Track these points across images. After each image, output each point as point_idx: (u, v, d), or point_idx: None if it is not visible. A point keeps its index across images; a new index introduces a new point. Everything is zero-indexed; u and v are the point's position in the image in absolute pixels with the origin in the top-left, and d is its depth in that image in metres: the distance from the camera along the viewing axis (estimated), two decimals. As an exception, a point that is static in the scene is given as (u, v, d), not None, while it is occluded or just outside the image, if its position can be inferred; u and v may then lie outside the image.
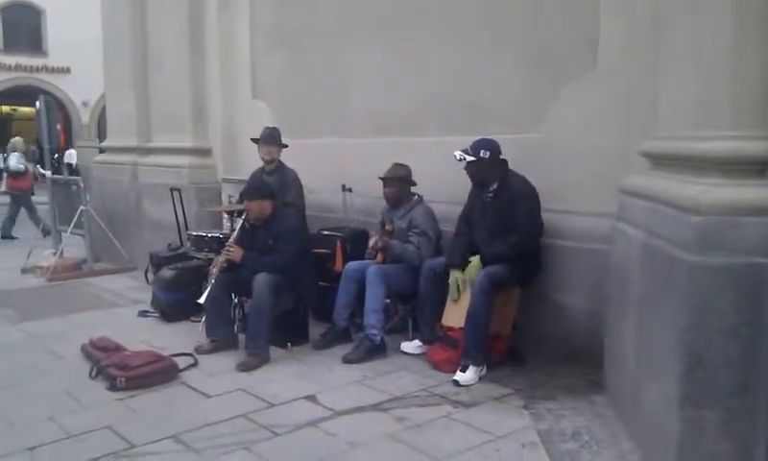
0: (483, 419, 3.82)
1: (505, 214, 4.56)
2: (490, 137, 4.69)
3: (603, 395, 4.07)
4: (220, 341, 5.09)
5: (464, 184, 4.87)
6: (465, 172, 4.72)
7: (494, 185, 4.66)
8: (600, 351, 4.16)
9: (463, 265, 4.66)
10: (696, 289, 2.79)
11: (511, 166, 4.70)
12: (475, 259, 4.62)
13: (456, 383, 4.32)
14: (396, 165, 5.24)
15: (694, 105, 3.11)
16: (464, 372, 4.36)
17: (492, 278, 4.43)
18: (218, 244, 5.73)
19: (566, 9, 4.71)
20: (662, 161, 3.47)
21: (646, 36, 3.87)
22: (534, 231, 4.59)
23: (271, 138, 5.90)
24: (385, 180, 5.24)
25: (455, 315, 4.63)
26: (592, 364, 4.29)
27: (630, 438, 3.47)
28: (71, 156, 24.87)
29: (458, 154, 4.62)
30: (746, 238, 2.75)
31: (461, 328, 4.50)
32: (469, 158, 4.59)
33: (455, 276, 4.66)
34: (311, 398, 4.17)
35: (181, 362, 4.70)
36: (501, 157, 4.65)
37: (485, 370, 4.46)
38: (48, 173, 9.02)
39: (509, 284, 4.56)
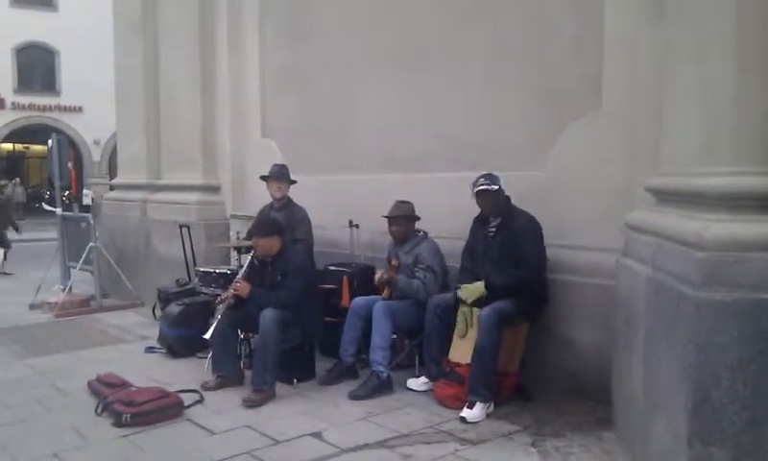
0: (490, 456, 3.78)
1: (510, 248, 4.58)
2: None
3: (611, 431, 4.02)
4: (226, 377, 5.08)
5: (470, 220, 4.90)
6: (474, 204, 4.75)
7: (497, 220, 4.69)
8: (608, 386, 4.14)
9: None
10: (702, 324, 2.79)
11: (517, 202, 4.73)
12: (478, 283, 4.61)
13: (463, 420, 4.28)
14: (400, 203, 5.27)
15: (698, 141, 3.14)
16: (471, 408, 4.33)
17: (499, 313, 4.43)
18: (225, 280, 5.75)
19: (572, 49, 4.78)
20: (667, 197, 3.49)
21: (650, 73, 3.94)
22: (541, 264, 4.61)
23: (281, 175, 5.99)
24: (391, 219, 5.26)
25: (462, 351, 4.61)
26: (600, 400, 4.26)
27: (639, 476, 3.43)
28: (87, 195, 25.04)
29: (483, 186, 4.63)
30: (751, 274, 2.76)
31: (468, 364, 4.48)
32: (495, 187, 4.63)
33: (463, 310, 4.65)
34: (317, 435, 4.14)
35: (187, 398, 4.68)
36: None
37: (492, 406, 4.43)
38: (58, 210, 9.08)
39: (516, 320, 4.55)
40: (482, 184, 4.66)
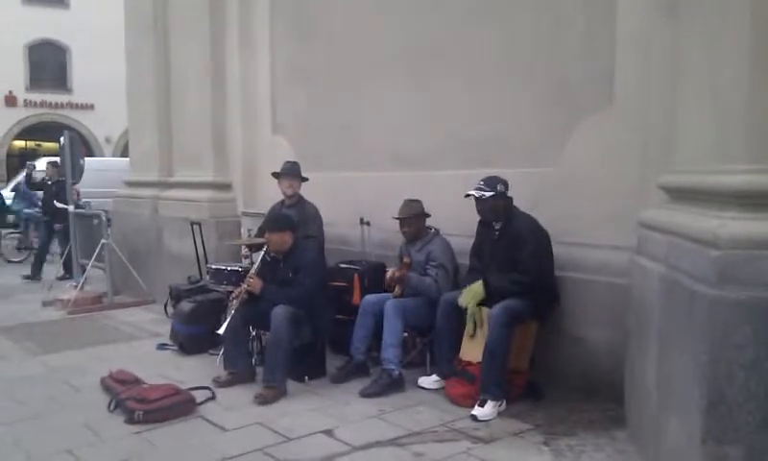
0: (502, 455, 3.77)
1: (511, 252, 4.57)
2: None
3: (624, 430, 4.01)
4: (238, 374, 5.10)
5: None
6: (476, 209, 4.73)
7: (500, 223, 4.67)
8: (620, 385, 4.12)
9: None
10: (716, 323, 2.76)
11: (529, 200, 4.71)
12: (477, 286, 4.61)
13: (474, 418, 4.27)
14: (409, 202, 5.26)
15: (711, 138, 3.11)
16: (482, 407, 4.32)
17: (510, 311, 4.41)
18: (237, 277, 5.76)
19: (583, 44, 4.75)
20: (681, 195, 3.46)
21: (662, 70, 3.91)
22: (539, 271, 4.55)
23: (292, 172, 6.00)
24: (402, 219, 5.25)
25: (473, 349, 4.60)
26: (613, 398, 4.24)
27: (652, 475, 3.41)
28: None
29: (476, 192, 4.62)
30: (766, 272, 2.73)
31: (479, 363, 4.47)
32: (489, 194, 4.61)
33: (472, 311, 4.64)
34: (328, 432, 4.15)
35: (199, 395, 4.70)
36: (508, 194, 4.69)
37: (504, 405, 4.42)
38: (71, 208, 9.13)
39: (526, 318, 4.54)
40: (474, 189, 4.63)
